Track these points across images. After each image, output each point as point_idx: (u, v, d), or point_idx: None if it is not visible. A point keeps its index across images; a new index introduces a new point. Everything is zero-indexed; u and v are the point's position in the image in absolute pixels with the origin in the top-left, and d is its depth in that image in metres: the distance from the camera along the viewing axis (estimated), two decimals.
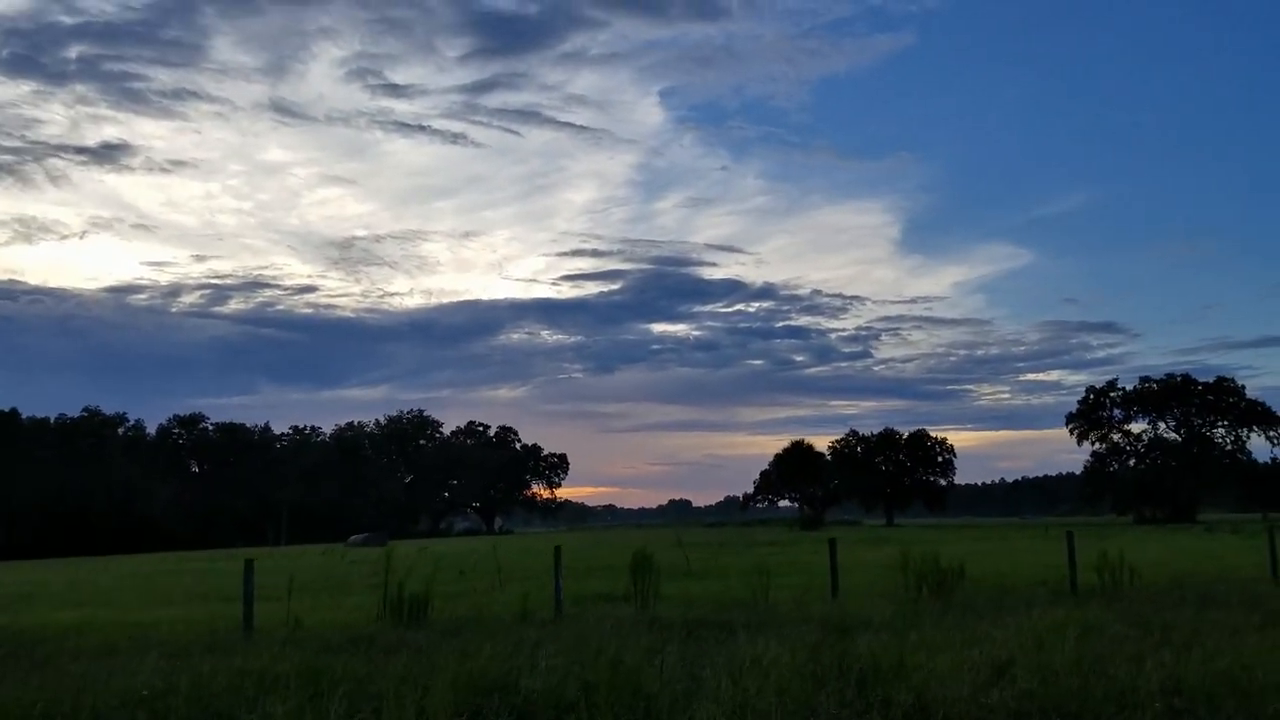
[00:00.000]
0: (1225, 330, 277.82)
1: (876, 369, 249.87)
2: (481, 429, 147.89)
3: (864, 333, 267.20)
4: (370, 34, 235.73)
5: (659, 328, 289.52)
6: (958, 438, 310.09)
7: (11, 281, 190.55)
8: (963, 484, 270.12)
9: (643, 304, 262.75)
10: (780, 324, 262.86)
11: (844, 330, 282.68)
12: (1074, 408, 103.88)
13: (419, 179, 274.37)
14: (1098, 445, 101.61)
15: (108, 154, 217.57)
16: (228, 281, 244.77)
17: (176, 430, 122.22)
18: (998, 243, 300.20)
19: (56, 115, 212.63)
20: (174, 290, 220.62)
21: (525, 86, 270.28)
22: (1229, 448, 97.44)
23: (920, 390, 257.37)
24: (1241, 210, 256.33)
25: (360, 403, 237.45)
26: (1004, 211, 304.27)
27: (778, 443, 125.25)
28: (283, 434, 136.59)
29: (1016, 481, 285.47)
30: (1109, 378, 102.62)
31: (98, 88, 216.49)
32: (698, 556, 36.96)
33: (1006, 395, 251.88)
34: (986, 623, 10.77)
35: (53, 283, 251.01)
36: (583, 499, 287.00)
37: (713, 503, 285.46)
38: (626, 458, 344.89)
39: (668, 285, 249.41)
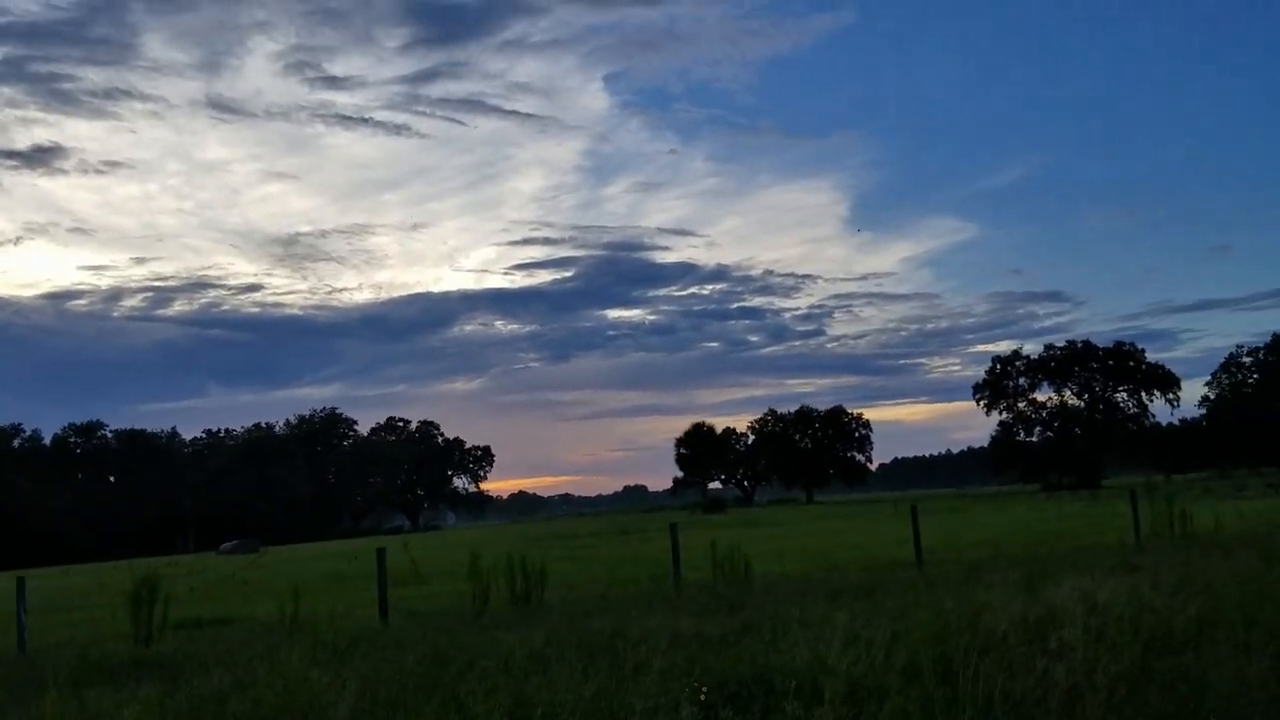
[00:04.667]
0: (1166, 294, 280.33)
1: (830, 346, 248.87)
2: (402, 424, 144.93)
3: (817, 311, 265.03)
4: (306, 26, 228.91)
5: (614, 313, 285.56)
6: (911, 411, 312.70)
7: None
8: (912, 456, 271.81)
9: (596, 290, 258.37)
10: (734, 305, 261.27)
11: (797, 309, 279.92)
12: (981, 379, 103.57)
13: (363, 172, 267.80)
14: (1005, 415, 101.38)
15: (39, 157, 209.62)
16: (170, 283, 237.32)
17: (74, 439, 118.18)
18: (943, 217, 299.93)
19: None
20: (115, 294, 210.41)
21: (468, 75, 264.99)
22: (1132, 412, 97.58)
23: (873, 365, 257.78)
24: (1177, 175, 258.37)
25: (314, 401, 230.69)
26: (948, 186, 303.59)
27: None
28: (195, 438, 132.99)
29: (961, 452, 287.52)
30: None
31: (25, 89, 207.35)
32: (536, 552, 35.24)
33: (958, 367, 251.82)
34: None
35: None
36: (538, 489, 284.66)
37: (666, 487, 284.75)
38: (586, 445, 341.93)
39: (620, 271, 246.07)
